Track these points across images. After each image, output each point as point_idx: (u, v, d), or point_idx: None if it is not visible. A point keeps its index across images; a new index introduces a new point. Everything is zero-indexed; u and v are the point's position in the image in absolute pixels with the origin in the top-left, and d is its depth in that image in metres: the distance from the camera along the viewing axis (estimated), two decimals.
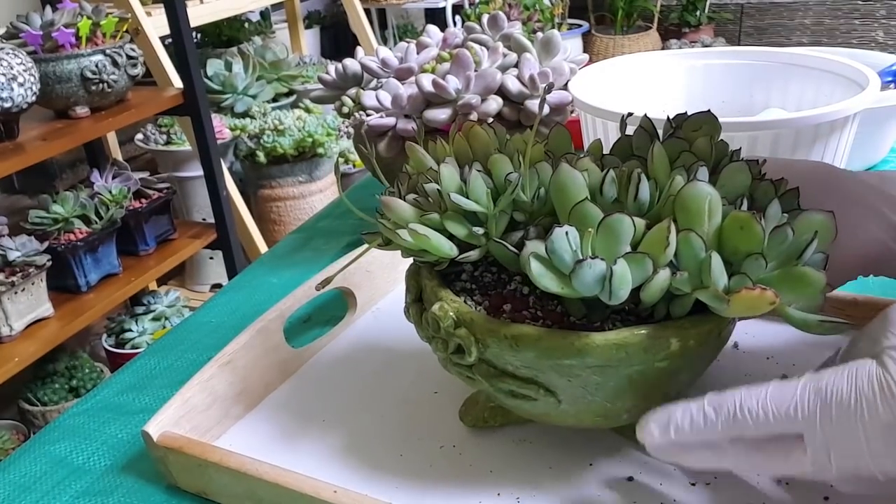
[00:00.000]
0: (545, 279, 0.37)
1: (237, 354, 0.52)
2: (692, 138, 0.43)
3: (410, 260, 0.46)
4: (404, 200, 0.43)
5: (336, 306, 0.64)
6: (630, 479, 0.44)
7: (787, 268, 0.38)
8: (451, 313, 0.41)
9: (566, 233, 0.37)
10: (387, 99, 0.70)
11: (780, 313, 0.38)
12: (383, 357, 0.58)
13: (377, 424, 0.50)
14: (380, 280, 0.65)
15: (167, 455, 0.46)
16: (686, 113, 0.45)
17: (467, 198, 0.41)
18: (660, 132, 0.45)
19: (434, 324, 0.42)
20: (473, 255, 0.42)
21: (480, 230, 0.42)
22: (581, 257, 0.36)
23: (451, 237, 0.42)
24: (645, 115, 0.45)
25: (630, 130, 0.46)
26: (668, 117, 0.45)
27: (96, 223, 1.52)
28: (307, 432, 0.50)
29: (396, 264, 0.67)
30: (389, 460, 0.47)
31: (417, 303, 0.46)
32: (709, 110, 0.44)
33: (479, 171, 0.42)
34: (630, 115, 0.46)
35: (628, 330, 0.38)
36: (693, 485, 0.44)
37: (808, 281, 0.37)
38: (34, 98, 1.33)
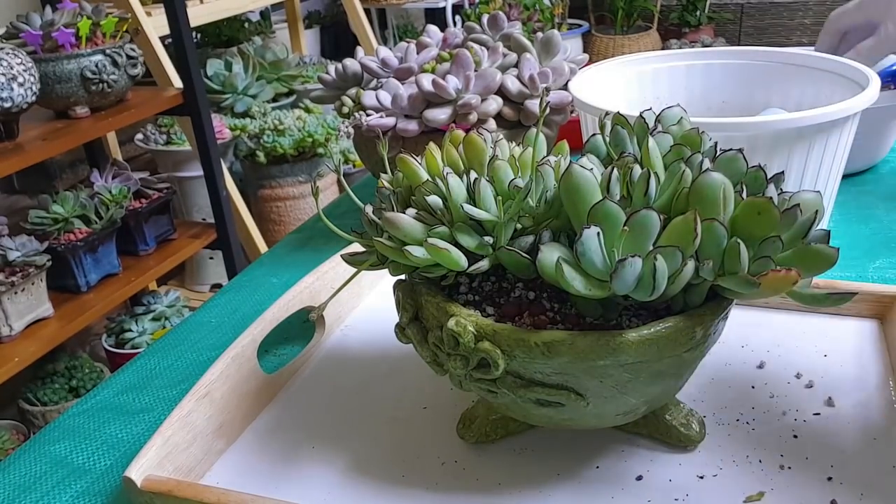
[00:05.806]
0: (576, 282, 0.36)
1: (214, 385, 0.49)
2: (674, 132, 0.43)
3: (377, 275, 0.44)
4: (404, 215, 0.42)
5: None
6: (639, 478, 0.44)
7: (799, 247, 0.38)
8: (471, 328, 0.40)
9: (598, 234, 0.36)
10: (387, 99, 0.70)
11: (788, 292, 0.39)
12: (362, 376, 0.56)
13: (371, 446, 0.49)
14: (345, 296, 0.63)
15: (153, 501, 0.43)
16: (650, 108, 0.46)
17: (477, 207, 0.40)
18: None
19: (451, 340, 0.40)
20: (484, 265, 0.41)
21: (489, 239, 0.41)
22: (621, 257, 0.36)
23: (458, 249, 0.41)
24: (618, 113, 0.45)
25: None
26: (639, 114, 0.46)
27: (96, 223, 1.52)
28: (298, 462, 0.48)
29: (359, 279, 0.64)
30: (392, 482, 0.46)
31: (416, 322, 0.44)
32: (677, 104, 0.45)
33: (485, 179, 0.41)
34: (608, 114, 0.46)
35: (658, 324, 0.38)
36: (701, 478, 0.44)
37: (823, 258, 0.38)
38: (34, 98, 1.33)
